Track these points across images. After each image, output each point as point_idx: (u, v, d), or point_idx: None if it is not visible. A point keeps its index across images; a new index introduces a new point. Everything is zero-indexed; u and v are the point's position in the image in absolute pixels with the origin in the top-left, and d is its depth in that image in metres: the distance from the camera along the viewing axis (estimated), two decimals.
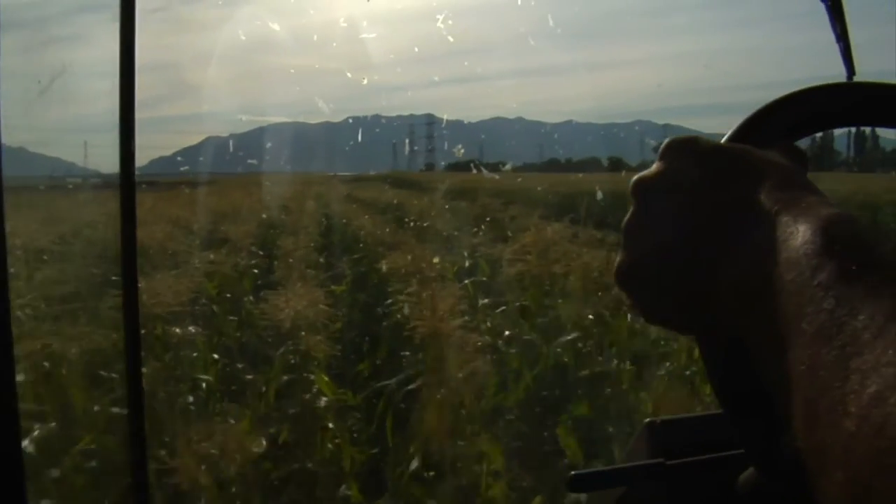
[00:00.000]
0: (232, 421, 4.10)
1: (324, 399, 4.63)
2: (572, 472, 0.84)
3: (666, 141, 0.59)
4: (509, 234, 7.98)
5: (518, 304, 5.50)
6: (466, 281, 6.25)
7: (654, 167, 0.58)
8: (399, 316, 5.51)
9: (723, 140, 0.64)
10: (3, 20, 1.28)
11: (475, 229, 9.01)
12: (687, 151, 0.57)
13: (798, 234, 0.45)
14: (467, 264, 6.98)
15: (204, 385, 4.77)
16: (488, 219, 10.06)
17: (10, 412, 1.16)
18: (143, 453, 1.62)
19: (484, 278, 6.50)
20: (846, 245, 0.43)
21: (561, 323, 5.16)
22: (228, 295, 6.57)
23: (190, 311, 5.30)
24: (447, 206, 11.16)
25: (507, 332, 5.22)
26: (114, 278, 6.29)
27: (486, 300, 5.80)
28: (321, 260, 7.94)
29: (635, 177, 0.58)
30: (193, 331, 5.15)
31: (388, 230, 9.54)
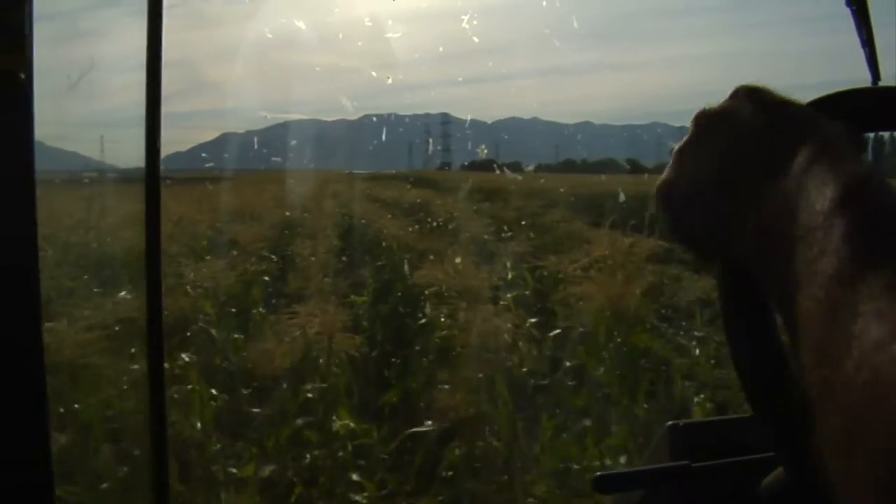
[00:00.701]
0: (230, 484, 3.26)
1: (345, 443, 3.80)
2: (597, 473, 0.83)
3: (739, 85, 0.61)
4: (561, 242, 7.09)
5: (579, 330, 4.57)
6: (509, 296, 5.38)
7: (722, 103, 0.61)
8: (431, 337, 4.71)
9: None
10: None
11: (512, 235, 8.10)
12: (756, 96, 0.59)
13: (829, 184, 0.47)
14: (510, 276, 6.05)
15: (199, 426, 3.89)
16: (525, 223, 9.18)
17: (40, 411, 1.17)
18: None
19: (527, 293, 5.63)
20: (869, 198, 0.45)
21: (635, 357, 4.28)
22: (233, 310, 5.68)
23: (182, 334, 4.48)
24: (475, 208, 10.19)
25: (566, 363, 4.33)
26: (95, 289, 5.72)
27: (533, 320, 4.94)
28: (340, 267, 7.10)
29: (700, 109, 0.63)
30: (187, 359, 4.29)
31: (413, 233, 8.70)
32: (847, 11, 1.24)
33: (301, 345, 4.67)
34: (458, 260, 5.92)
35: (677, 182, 0.62)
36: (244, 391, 4.54)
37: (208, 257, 7.04)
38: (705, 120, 0.62)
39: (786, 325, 0.48)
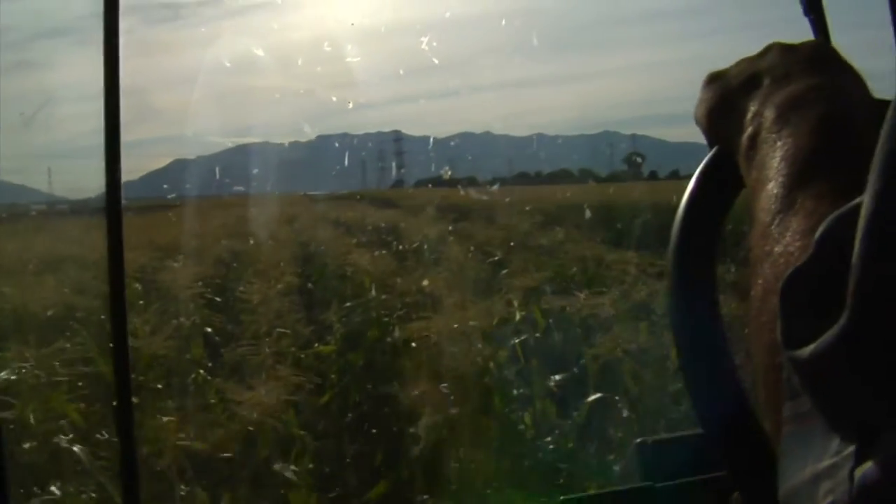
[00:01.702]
0: None
1: None
2: (561, 498, 0.82)
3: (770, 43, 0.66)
4: (582, 270, 5.87)
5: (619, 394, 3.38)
6: (515, 342, 4.21)
7: (757, 53, 0.67)
8: (416, 406, 3.58)
9: (708, 158, 0.67)
10: None
11: (509, 262, 6.85)
12: (785, 48, 0.65)
13: (776, 98, 0.59)
14: (517, 317, 4.78)
15: None
16: (516, 244, 7.97)
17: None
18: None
19: (538, 335, 4.43)
20: (807, 112, 0.56)
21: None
22: (164, 380, 4.36)
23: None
24: (451, 229, 8.95)
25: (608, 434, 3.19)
26: None
27: (558, 378, 3.77)
28: (299, 313, 5.77)
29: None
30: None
31: (384, 263, 7.38)
32: (805, 19, 1.25)
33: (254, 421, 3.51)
34: (446, 297, 4.77)
35: (717, 84, 0.67)
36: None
37: (140, 302, 5.79)
38: (743, 62, 0.67)
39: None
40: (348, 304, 5.95)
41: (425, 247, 7.82)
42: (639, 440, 0.92)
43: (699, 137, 0.68)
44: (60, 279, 6.49)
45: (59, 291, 6.08)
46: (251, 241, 9.90)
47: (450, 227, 9.34)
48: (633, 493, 0.85)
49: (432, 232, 8.46)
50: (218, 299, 6.45)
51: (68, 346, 4.42)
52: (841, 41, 1.24)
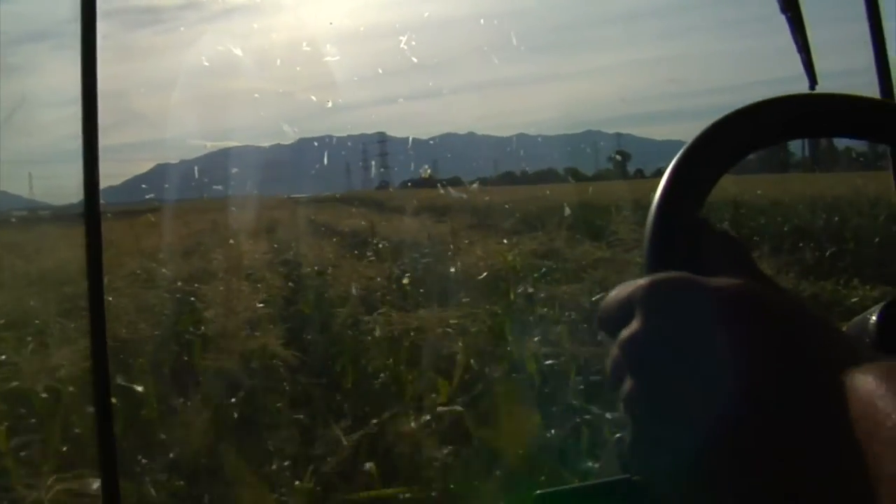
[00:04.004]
0: None
1: None
2: (536, 492, 0.75)
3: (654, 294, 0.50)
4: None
5: None
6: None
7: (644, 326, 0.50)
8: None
9: (679, 155, 0.64)
10: None
11: (531, 277, 6.42)
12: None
13: (861, 387, 0.43)
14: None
15: None
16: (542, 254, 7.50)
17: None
18: None
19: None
20: None
21: None
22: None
23: None
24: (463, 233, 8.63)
25: None
26: None
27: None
28: (284, 348, 5.52)
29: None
30: None
31: (381, 277, 6.86)
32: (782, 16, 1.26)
33: None
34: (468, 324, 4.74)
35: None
36: None
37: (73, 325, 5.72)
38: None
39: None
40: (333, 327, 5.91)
41: (429, 259, 7.58)
42: (619, 435, 0.94)
43: (684, 135, 0.74)
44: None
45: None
46: (230, 249, 9.65)
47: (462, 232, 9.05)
48: (610, 485, 0.80)
49: (436, 239, 8.30)
50: (187, 333, 6.20)
51: None
52: (817, 37, 1.27)
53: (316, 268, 7.67)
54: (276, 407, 4.80)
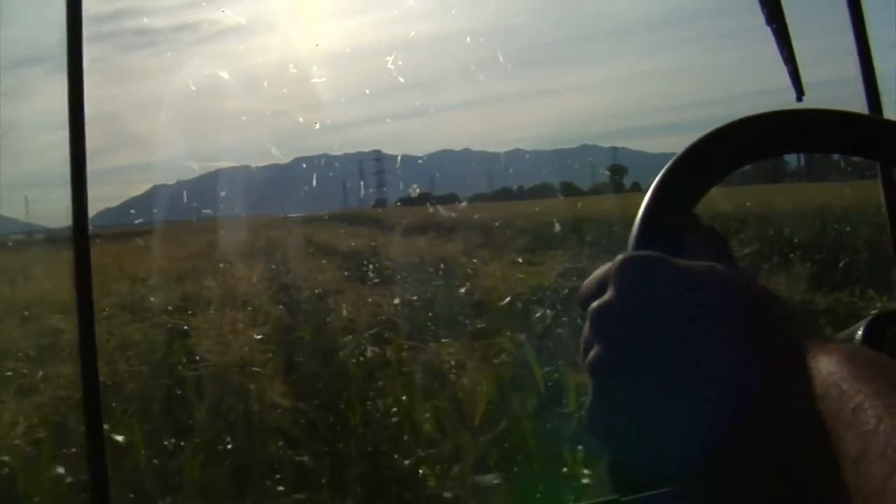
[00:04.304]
0: None
1: None
2: None
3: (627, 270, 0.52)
4: None
5: None
6: None
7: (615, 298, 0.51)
8: None
9: (668, 167, 0.65)
10: None
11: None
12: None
13: (824, 367, 0.45)
14: None
15: None
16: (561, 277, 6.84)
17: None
18: None
19: None
20: (872, 368, 0.44)
21: None
22: None
23: None
24: (475, 257, 8.02)
25: None
26: None
27: None
28: (283, 383, 5.02)
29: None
30: None
31: (388, 303, 6.15)
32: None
33: None
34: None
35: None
36: None
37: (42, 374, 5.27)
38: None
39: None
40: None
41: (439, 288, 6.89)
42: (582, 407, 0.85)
43: (678, 147, 0.66)
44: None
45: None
46: (219, 276, 9.07)
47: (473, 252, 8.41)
48: None
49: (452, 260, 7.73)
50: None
51: None
52: (803, 49, 1.27)
53: (317, 291, 7.22)
54: (278, 449, 4.38)
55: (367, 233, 14.83)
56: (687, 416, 0.47)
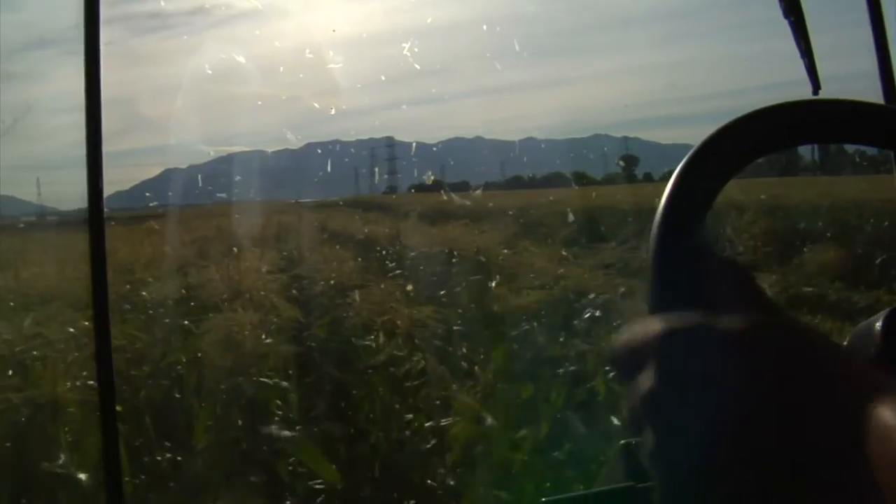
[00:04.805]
0: None
1: None
2: (542, 500, 0.81)
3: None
4: None
5: None
6: None
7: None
8: None
9: (686, 160, 0.64)
10: None
11: None
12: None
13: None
14: None
15: None
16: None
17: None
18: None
19: None
20: None
21: None
22: None
23: None
24: (523, 248, 7.41)
25: None
26: None
27: None
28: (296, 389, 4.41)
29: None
30: None
31: (412, 300, 5.43)
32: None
33: None
34: None
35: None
36: None
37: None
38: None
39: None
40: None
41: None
42: (623, 441, 0.86)
43: (691, 139, 0.67)
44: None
45: None
46: (224, 268, 8.51)
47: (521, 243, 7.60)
48: (614, 493, 0.82)
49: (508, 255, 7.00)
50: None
51: None
52: (820, 43, 1.25)
53: (332, 282, 6.60)
54: (289, 470, 3.80)
55: (384, 219, 14.12)
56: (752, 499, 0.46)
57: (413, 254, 7.68)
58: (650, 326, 0.50)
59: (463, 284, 5.96)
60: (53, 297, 5.70)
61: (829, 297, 7.20)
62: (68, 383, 4.17)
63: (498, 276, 5.99)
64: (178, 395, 4.60)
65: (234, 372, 4.62)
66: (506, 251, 7.32)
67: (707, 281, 0.55)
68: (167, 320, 5.52)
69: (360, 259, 8.58)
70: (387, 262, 7.80)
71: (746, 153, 0.66)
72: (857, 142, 0.71)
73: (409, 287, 5.85)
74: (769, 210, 14.09)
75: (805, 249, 10.21)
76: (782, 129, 0.67)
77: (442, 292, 5.62)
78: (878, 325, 0.65)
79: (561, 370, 4.05)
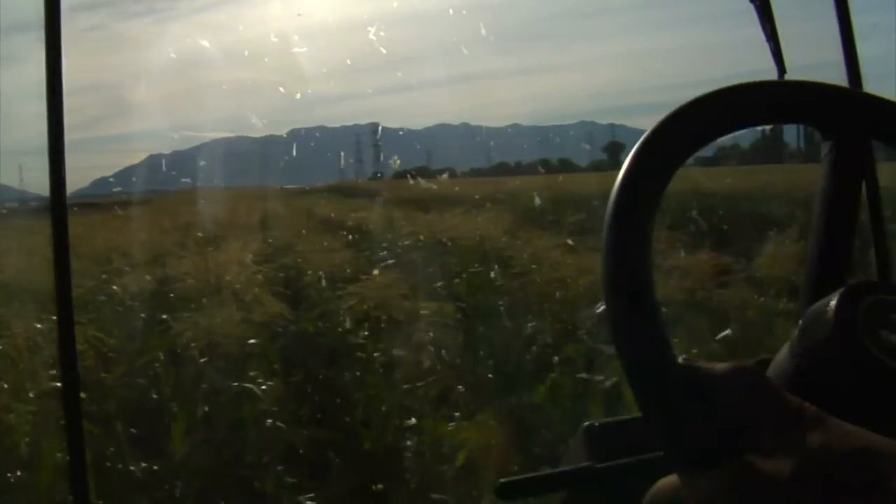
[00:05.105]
0: None
1: None
2: (500, 480, 0.80)
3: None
4: None
5: None
6: None
7: None
8: None
9: (647, 134, 0.65)
10: None
11: None
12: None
13: None
14: None
15: None
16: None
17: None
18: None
19: None
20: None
21: None
22: None
23: None
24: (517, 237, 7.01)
25: None
26: None
27: None
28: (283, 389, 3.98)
29: None
30: None
31: (414, 291, 4.86)
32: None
33: None
34: None
35: None
36: None
37: None
38: None
39: None
40: None
41: None
42: (586, 423, 0.87)
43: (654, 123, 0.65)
44: None
45: None
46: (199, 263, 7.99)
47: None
48: (572, 473, 0.82)
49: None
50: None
51: None
52: (788, 33, 1.28)
53: (321, 274, 6.09)
54: (276, 478, 3.38)
55: (370, 205, 13.57)
56: None
57: (408, 243, 7.16)
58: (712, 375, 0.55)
59: (463, 276, 5.52)
60: (20, 289, 5.27)
61: (787, 280, 6.91)
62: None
63: (497, 266, 5.52)
64: (154, 397, 4.18)
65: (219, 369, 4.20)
66: (505, 239, 6.84)
67: (713, 390, 0.55)
68: (142, 314, 5.08)
69: (353, 247, 8.05)
70: (383, 251, 7.23)
71: (702, 135, 0.67)
72: (799, 122, 0.73)
73: (403, 276, 5.37)
74: (736, 195, 13.94)
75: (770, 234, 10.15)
76: (733, 111, 0.68)
77: (439, 284, 5.17)
78: (833, 303, 0.61)
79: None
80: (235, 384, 3.86)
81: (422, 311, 4.32)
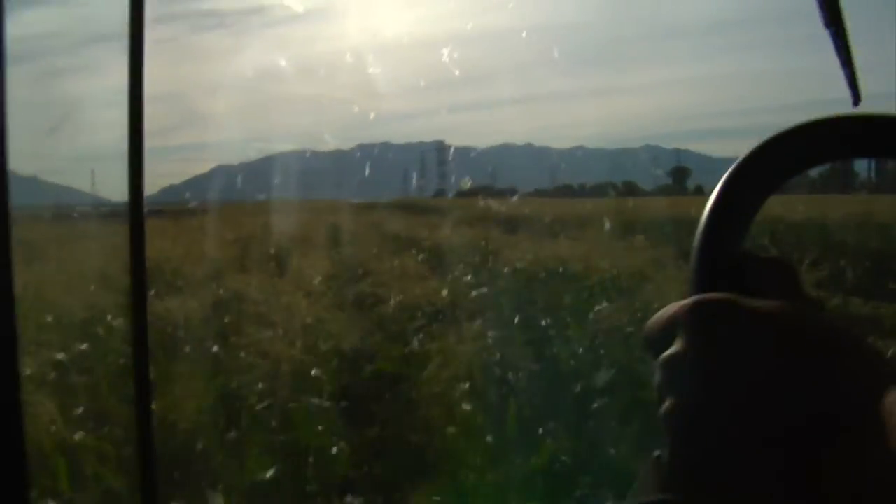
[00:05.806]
0: None
1: None
2: None
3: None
4: None
5: None
6: None
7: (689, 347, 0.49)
8: None
9: (731, 170, 0.63)
10: (14, 53, 1.11)
11: None
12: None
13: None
14: None
15: None
16: None
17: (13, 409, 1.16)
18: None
19: None
20: None
21: None
22: None
23: None
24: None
25: None
26: None
27: None
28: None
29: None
30: None
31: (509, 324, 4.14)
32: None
33: None
34: None
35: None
36: None
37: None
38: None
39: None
40: None
41: None
42: (657, 453, 0.67)
43: (742, 152, 0.63)
44: None
45: None
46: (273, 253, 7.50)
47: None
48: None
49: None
50: None
51: None
52: (863, 59, 1.11)
53: (399, 299, 5.39)
54: None
55: (441, 222, 12.81)
56: (767, 467, 0.44)
57: (506, 270, 6.28)
58: (682, 303, 0.49)
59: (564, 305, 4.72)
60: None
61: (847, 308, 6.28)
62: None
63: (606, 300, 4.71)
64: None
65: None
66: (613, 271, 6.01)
67: (748, 274, 0.54)
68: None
69: (431, 267, 7.25)
70: (469, 274, 6.37)
71: (789, 167, 0.63)
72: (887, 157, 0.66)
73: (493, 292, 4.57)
74: (811, 225, 13.03)
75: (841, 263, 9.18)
76: (823, 145, 0.64)
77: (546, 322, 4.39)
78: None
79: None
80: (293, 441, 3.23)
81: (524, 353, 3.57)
